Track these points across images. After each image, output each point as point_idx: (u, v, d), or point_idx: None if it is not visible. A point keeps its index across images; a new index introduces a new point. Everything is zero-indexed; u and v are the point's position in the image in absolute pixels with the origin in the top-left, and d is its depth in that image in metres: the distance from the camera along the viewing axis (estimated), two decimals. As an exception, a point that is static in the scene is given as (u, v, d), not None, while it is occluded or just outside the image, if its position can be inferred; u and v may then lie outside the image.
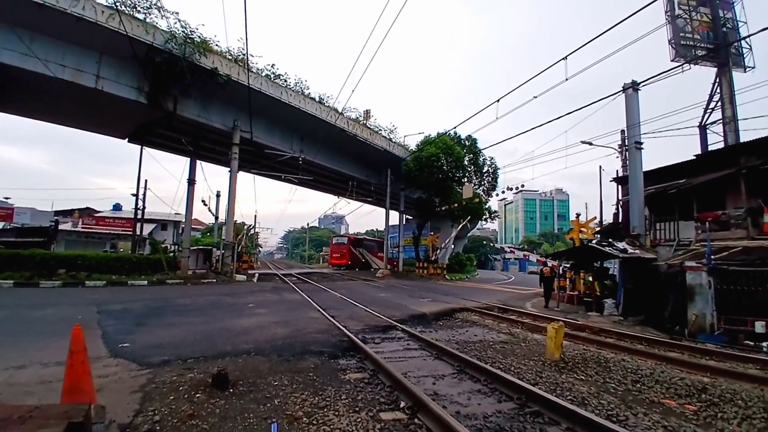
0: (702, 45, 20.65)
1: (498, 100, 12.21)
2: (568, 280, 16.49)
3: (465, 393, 4.64)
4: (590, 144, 21.71)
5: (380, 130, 29.33)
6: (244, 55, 18.72)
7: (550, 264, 16.55)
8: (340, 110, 24.63)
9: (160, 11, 16.99)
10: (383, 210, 34.26)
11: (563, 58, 9.68)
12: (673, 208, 13.48)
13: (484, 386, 4.88)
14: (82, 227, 31.91)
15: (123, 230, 32.13)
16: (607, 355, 6.82)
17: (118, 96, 17.29)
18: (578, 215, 19.30)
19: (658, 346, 7.91)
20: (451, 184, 30.23)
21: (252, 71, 19.25)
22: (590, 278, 14.17)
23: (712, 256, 9.53)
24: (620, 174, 19.27)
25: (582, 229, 18.07)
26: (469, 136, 32.59)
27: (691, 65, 19.25)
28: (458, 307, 12.56)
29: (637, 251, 12.40)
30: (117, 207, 39.71)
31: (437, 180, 28.88)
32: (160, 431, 3.39)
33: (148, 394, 4.18)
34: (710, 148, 19.78)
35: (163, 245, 24.32)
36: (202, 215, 49.63)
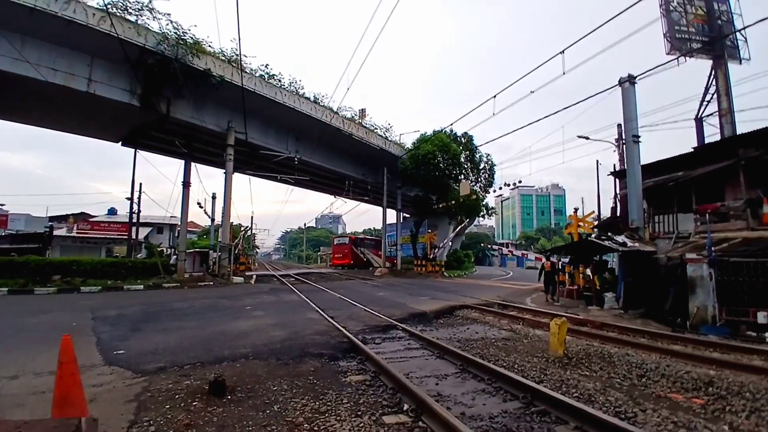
0: (697, 38, 20.61)
1: (495, 96, 12.20)
2: (567, 274, 16.47)
3: (469, 393, 4.55)
4: (587, 138, 21.73)
5: (376, 128, 29.18)
6: (237, 55, 18.56)
7: (552, 258, 16.49)
8: (335, 109, 24.51)
9: (151, 13, 16.81)
10: (380, 208, 34.18)
11: (560, 53, 9.68)
12: (671, 200, 13.46)
13: (489, 385, 4.79)
14: (77, 232, 31.61)
15: (118, 235, 31.84)
16: (611, 350, 6.74)
17: (111, 99, 17.09)
18: (576, 210, 19.27)
19: (661, 339, 7.85)
20: (447, 182, 30.16)
21: (245, 71, 19.07)
22: (589, 272, 14.14)
23: (713, 248, 9.49)
24: (618, 168, 19.25)
25: (580, 223, 18.04)
26: (466, 133, 32.56)
27: (687, 58, 19.22)
28: (458, 304, 12.47)
29: (636, 244, 12.36)
30: (112, 211, 39.43)
31: (434, 177, 28.83)
32: (156, 442, 3.27)
33: (143, 403, 4.06)
34: (707, 140, 19.79)
35: (159, 248, 24.14)
36: (198, 218, 49.18)
